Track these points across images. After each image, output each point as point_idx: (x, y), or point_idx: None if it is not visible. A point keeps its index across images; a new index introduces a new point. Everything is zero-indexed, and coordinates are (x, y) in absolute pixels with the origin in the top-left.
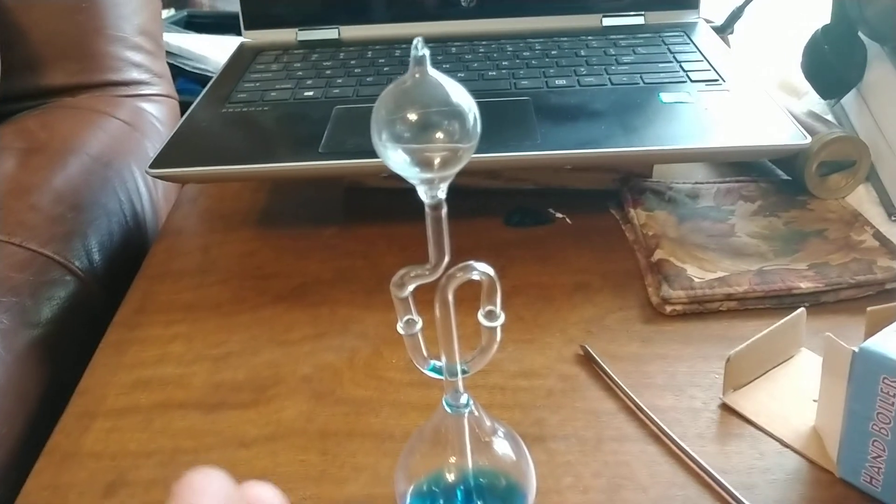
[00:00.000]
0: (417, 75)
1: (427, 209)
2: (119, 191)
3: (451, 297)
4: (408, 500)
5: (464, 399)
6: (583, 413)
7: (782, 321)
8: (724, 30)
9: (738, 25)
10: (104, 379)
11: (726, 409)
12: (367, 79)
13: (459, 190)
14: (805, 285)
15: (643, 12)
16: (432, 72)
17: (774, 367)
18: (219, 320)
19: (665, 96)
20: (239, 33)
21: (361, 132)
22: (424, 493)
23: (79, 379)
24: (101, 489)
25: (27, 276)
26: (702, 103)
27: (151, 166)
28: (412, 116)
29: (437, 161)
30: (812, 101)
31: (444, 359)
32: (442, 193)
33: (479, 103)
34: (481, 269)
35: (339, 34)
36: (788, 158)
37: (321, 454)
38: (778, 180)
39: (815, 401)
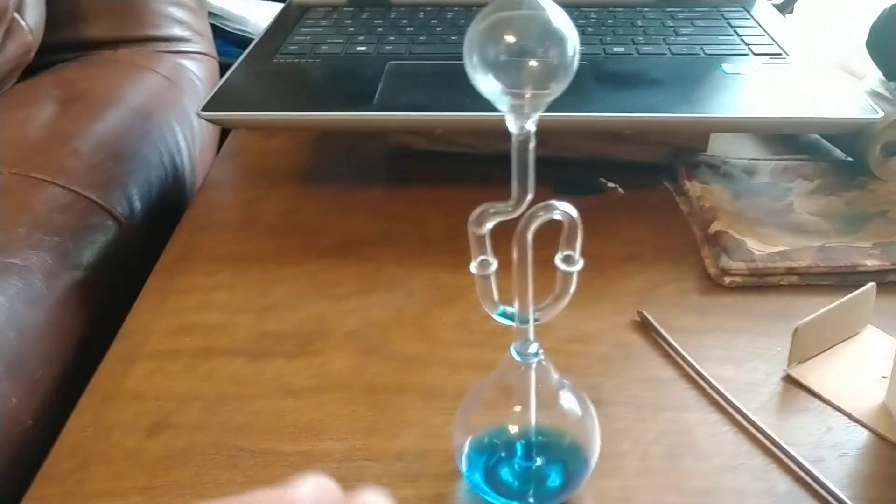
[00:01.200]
0: None
1: (514, 140)
2: (159, 144)
3: (530, 238)
4: (465, 451)
5: (533, 348)
6: (640, 380)
7: (852, 295)
8: (783, 9)
9: (796, 6)
10: (147, 324)
11: (790, 382)
12: (420, 38)
13: (505, 157)
14: (871, 263)
15: None
16: None
17: (840, 343)
18: (262, 273)
19: (727, 67)
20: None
21: (416, 88)
22: (484, 446)
23: (117, 325)
24: (146, 429)
25: (70, 218)
26: (763, 75)
27: (204, 109)
28: (509, 38)
29: (528, 92)
30: (871, 84)
31: (516, 304)
32: (531, 125)
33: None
34: (563, 209)
35: None
36: (850, 138)
37: (370, 407)
38: (836, 160)
39: (884, 377)
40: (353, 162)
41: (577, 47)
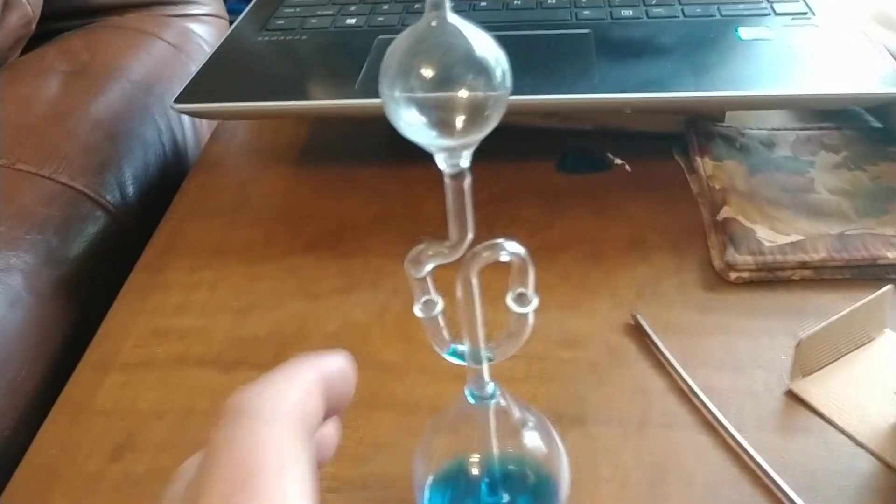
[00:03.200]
0: (434, 22)
1: (446, 179)
2: (158, 119)
3: (475, 280)
4: (426, 493)
5: (490, 388)
6: (629, 391)
7: (865, 300)
8: None
9: None
10: (124, 326)
11: (792, 396)
12: (415, 5)
13: (509, 128)
14: (892, 255)
15: None
16: (453, 18)
17: (852, 351)
18: (246, 267)
19: (744, 32)
20: None
21: None
22: (445, 485)
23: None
24: (109, 451)
25: (54, 211)
26: (785, 40)
27: (177, 100)
28: (427, 72)
29: (458, 123)
30: None
31: (467, 344)
32: (465, 162)
33: (533, 36)
34: (511, 250)
35: None
36: (884, 104)
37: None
38: (866, 127)
39: None
40: (354, 136)
41: (507, 71)
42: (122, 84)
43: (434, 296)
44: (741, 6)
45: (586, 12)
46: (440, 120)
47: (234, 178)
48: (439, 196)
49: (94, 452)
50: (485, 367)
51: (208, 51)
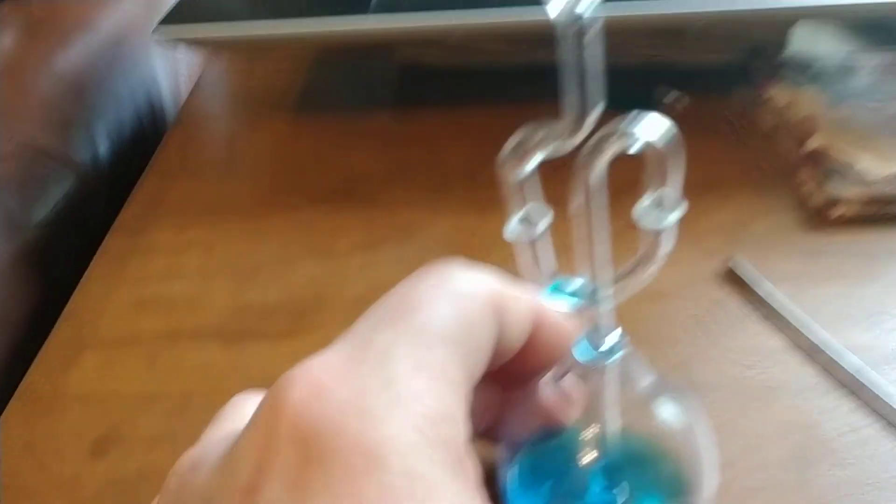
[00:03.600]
0: None
1: (563, 36)
2: (130, 76)
3: (597, 178)
4: (508, 485)
5: (615, 338)
6: (740, 353)
7: None
8: None
9: None
10: (100, 297)
11: None
12: None
13: (544, 66)
14: None
15: None
16: None
17: None
18: (245, 224)
19: None
20: None
21: None
22: (536, 476)
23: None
24: (87, 447)
25: (11, 170)
26: None
27: (161, 23)
28: None
29: None
30: None
31: (586, 275)
32: (588, 7)
33: None
34: (649, 131)
35: None
36: None
37: None
38: None
39: None
40: (356, 83)
41: None
42: (87, 36)
43: (539, 206)
44: None
45: None
46: None
47: (223, 130)
48: (465, 142)
49: (71, 448)
50: (608, 307)
51: None
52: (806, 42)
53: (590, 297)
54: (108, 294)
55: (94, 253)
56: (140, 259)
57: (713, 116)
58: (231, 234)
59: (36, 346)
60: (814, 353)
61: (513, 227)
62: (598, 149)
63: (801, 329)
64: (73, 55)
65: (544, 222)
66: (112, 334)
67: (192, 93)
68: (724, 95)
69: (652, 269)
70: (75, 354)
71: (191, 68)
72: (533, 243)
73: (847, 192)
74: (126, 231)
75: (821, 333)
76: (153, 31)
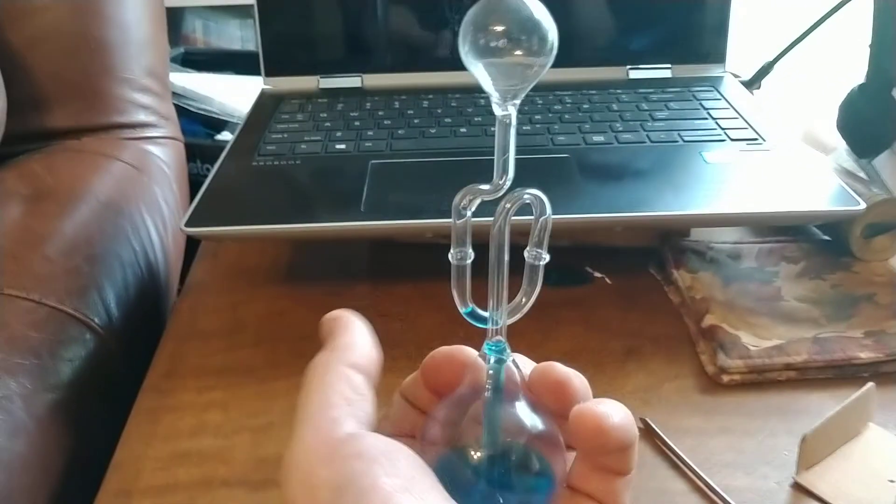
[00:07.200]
0: None
1: (498, 122)
2: (132, 239)
3: (507, 224)
4: None
5: (506, 348)
6: (653, 493)
7: (853, 397)
8: (751, 84)
9: (763, 81)
10: (139, 451)
11: (801, 489)
12: (399, 131)
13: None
14: (865, 355)
15: (670, 65)
16: None
17: (845, 444)
18: (256, 386)
19: (709, 156)
20: (237, 72)
21: (402, 189)
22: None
23: (104, 446)
24: None
25: (46, 335)
26: (746, 163)
27: (188, 224)
28: (497, 27)
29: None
30: (840, 159)
31: (491, 298)
32: (513, 108)
33: (521, 160)
34: (534, 192)
35: (362, 82)
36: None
37: None
38: (818, 240)
39: (891, 481)
40: (336, 257)
41: (555, 39)
42: (90, 204)
43: (468, 248)
44: (700, 132)
45: (561, 137)
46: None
47: (225, 299)
48: (436, 311)
49: None
50: (505, 323)
51: (168, 171)
52: (699, 233)
53: (492, 319)
54: (146, 449)
55: (115, 404)
56: (170, 418)
57: (631, 293)
58: (245, 395)
59: (72, 491)
60: (707, 494)
61: (452, 255)
62: (501, 210)
63: (697, 475)
64: (80, 223)
65: (470, 257)
66: (155, 483)
67: (194, 266)
68: (638, 274)
69: (532, 300)
70: (126, 501)
71: (175, 225)
72: (463, 269)
73: (733, 363)
74: (154, 391)
75: (710, 481)
76: (183, 225)
